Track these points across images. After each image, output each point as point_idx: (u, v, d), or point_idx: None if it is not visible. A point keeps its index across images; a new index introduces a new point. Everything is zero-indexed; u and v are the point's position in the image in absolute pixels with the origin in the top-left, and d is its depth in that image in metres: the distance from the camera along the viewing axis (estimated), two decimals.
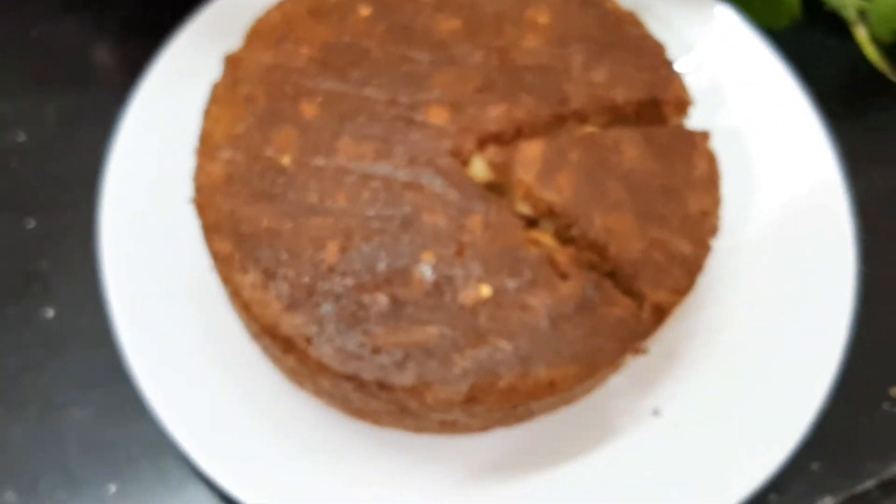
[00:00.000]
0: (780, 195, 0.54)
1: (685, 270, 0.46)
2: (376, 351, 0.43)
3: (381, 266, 0.45)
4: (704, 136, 0.49)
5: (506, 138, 0.48)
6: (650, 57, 0.51)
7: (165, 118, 0.54)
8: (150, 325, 0.50)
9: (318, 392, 0.47)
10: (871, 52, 0.59)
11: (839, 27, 0.60)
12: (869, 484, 0.49)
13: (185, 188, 0.50)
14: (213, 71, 0.51)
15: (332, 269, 0.44)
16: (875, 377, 0.52)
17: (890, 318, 0.54)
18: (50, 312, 0.52)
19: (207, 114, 0.49)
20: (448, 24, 0.51)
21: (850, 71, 0.61)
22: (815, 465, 0.50)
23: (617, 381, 0.50)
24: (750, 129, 0.55)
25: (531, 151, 0.47)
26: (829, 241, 0.52)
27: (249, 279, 0.44)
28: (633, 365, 0.50)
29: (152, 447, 0.50)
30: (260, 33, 0.50)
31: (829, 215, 0.53)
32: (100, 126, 0.57)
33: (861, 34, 0.59)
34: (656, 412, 0.49)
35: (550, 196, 0.46)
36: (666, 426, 0.49)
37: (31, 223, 0.55)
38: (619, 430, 0.49)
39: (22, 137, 0.57)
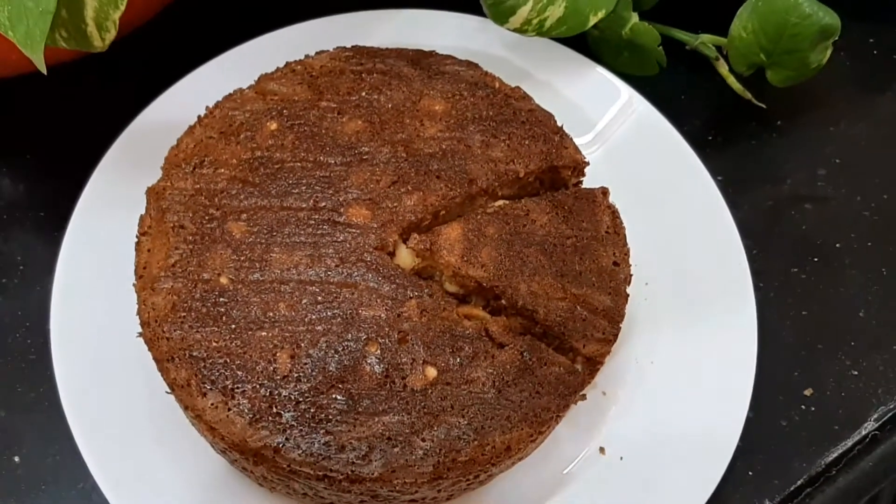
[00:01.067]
0: (674, 230, 0.58)
1: (609, 320, 0.50)
2: (341, 448, 0.46)
3: (332, 366, 0.47)
4: (604, 192, 0.54)
5: (425, 225, 0.52)
6: (541, 127, 0.55)
7: (99, 254, 0.56)
8: (119, 454, 0.51)
9: (291, 493, 0.49)
10: (734, 83, 0.64)
11: (701, 65, 0.65)
12: (799, 481, 0.54)
13: (128, 322, 0.52)
14: (137, 203, 0.53)
15: (286, 378, 0.47)
16: (787, 383, 0.57)
17: (790, 327, 0.59)
18: (16, 458, 0.54)
19: (139, 247, 0.51)
20: (352, 125, 0.54)
21: (718, 102, 0.66)
22: (750, 473, 0.54)
23: (561, 427, 0.53)
24: (637, 177, 0.60)
25: (451, 233, 0.51)
26: (727, 264, 0.57)
27: (209, 401, 0.46)
28: (574, 409, 0.53)
29: None
30: (176, 162, 0.53)
31: (722, 240, 0.58)
32: (31, 269, 0.59)
33: (723, 69, 0.64)
34: (602, 450, 0.53)
35: (476, 272, 0.50)
36: (613, 461, 0.53)
37: None
38: (573, 472, 0.53)
39: None
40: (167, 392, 0.51)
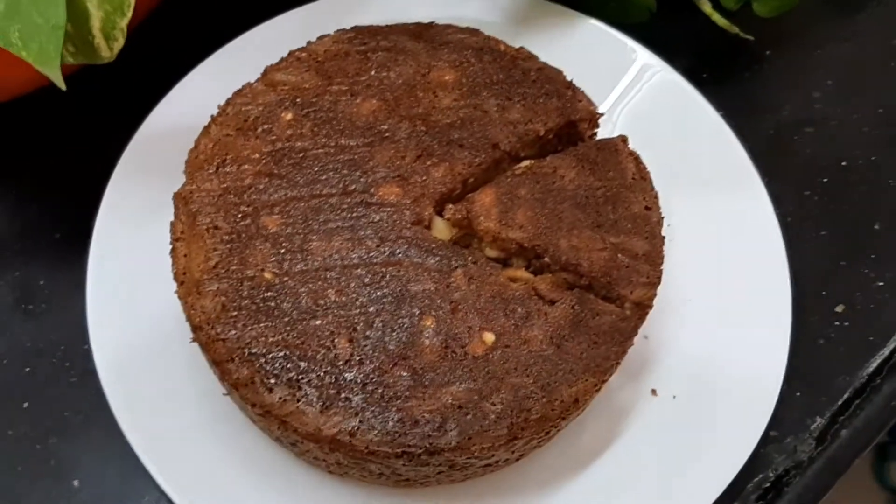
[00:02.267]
0: (693, 170, 0.59)
1: (650, 263, 0.51)
2: (416, 423, 0.46)
3: (391, 344, 0.48)
4: (623, 140, 0.54)
5: (456, 195, 0.52)
6: (552, 83, 0.56)
7: (130, 268, 0.55)
8: (183, 463, 0.51)
9: (366, 475, 0.50)
10: (720, 20, 0.65)
11: (686, 6, 0.66)
12: (847, 395, 0.56)
13: (171, 328, 0.52)
14: (158, 210, 0.53)
15: (349, 362, 0.47)
16: (818, 303, 0.59)
17: (813, 249, 0.60)
18: (75, 483, 0.53)
19: (175, 253, 0.50)
20: (367, 106, 0.54)
21: (707, 40, 0.67)
22: (798, 394, 0.55)
23: (611, 377, 0.54)
24: (648, 122, 0.61)
25: (485, 199, 0.51)
26: (747, 196, 0.58)
27: (277, 395, 0.47)
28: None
29: None
30: (198, 164, 0.52)
31: (737, 171, 0.59)
32: (55, 293, 0.58)
33: (706, 7, 0.65)
34: (654, 392, 0.54)
35: (516, 234, 0.50)
36: (667, 401, 0.54)
37: (25, 404, 0.55)
38: (632, 414, 0.54)
39: None
40: (224, 394, 0.52)
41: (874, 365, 0.56)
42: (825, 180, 0.62)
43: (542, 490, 0.52)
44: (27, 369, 0.56)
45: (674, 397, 0.54)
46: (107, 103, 0.63)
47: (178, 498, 0.50)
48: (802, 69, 0.66)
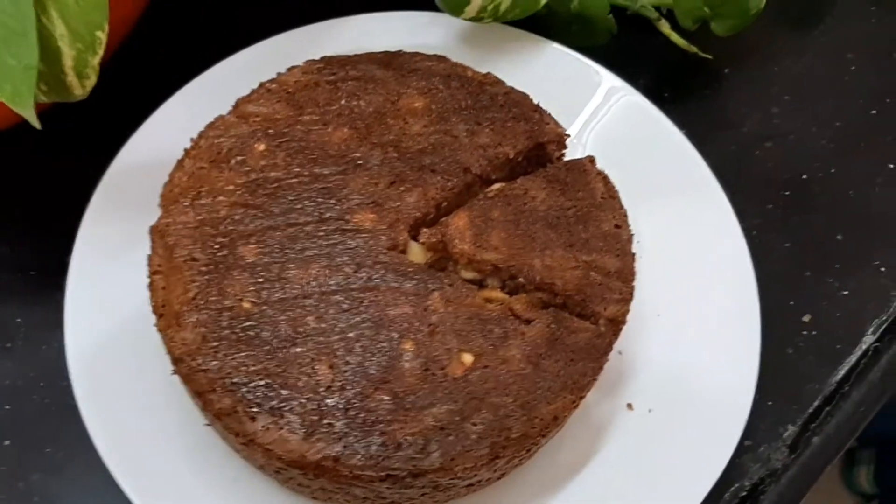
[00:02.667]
0: (657, 187, 0.61)
1: (622, 280, 0.52)
2: (398, 447, 0.47)
3: (372, 369, 0.48)
4: (591, 160, 0.56)
5: (430, 219, 0.53)
6: (520, 107, 0.57)
7: (106, 304, 0.55)
8: (166, 494, 0.51)
9: (349, 500, 0.50)
10: (678, 40, 0.67)
11: (644, 26, 0.68)
12: (817, 402, 0.57)
13: (150, 362, 0.53)
14: (134, 245, 0.53)
15: (330, 388, 0.48)
16: (785, 313, 0.60)
17: (777, 260, 0.62)
18: None
19: (153, 286, 0.51)
20: (338, 134, 0.55)
21: (666, 60, 0.69)
22: (770, 403, 0.57)
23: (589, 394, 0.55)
24: (612, 141, 0.62)
25: (459, 222, 0.52)
26: (712, 210, 0.60)
27: (259, 424, 0.47)
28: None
29: None
30: (173, 197, 0.53)
31: (701, 186, 0.60)
32: (32, 329, 0.59)
33: (665, 27, 0.67)
34: (630, 406, 0.55)
35: (491, 256, 0.51)
36: (643, 415, 0.55)
37: (7, 442, 0.55)
38: (608, 430, 0.55)
39: None
40: (206, 424, 0.52)
41: (842, 372, 0.58)
42: (787, 193, 0.64)
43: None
44: (7, 407, 0.56)
45: (649, 411, 0.55)
46: (77, 140, 0.63)
47: None
48: (760, 85, 0.68)
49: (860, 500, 1.35)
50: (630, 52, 0.68)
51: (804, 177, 0.64)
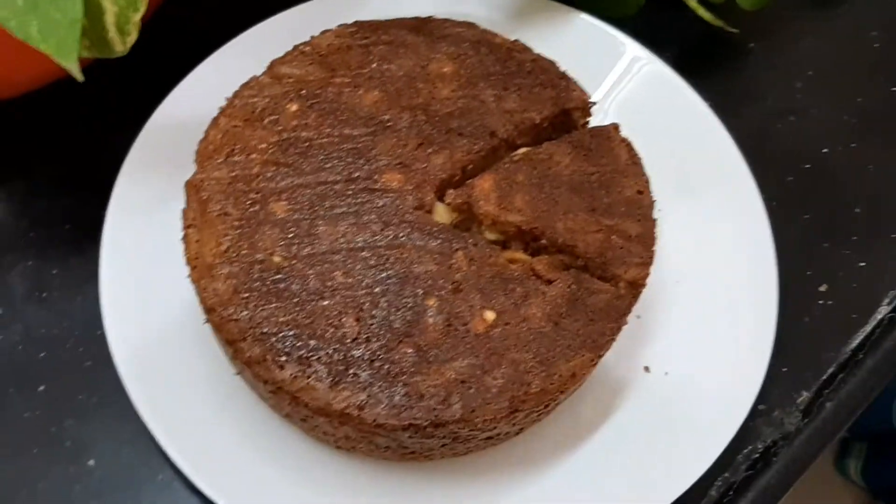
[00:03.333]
0: (680, 156, 0.62)
1: (643, 245, 0.53)
2: (421, 397, 0.48)
3: (396, 323, 0.50)
4: (615, 127, 0.57)
5: (456, 181, 0.54)
6: (547, 74, 0.58)
7: (142, 255, 0.57)
8: (197, 441, 0.53)
9: (373, 450, 0.52)
10: (704, 14, 0.67)
11: (675, 1, 0.69)
12: (831, 370, 0.58)
13: (183, 312, 0.54)
14: (168, 199, 0.55)
15: (356, 340, 0.49)
16: (803, 283, 0.61)
17: (797, 231, 0.63)
18: (91, 462, 0.55)
19: (187, 239, 0.52)
20: (369, 97, 0.56)
21: (693, 33, 0.70)
22: (784, 370, 0.58)
23: (606, 355, 0.57)
24: (638, 110, 0.63)
25: (484, 185, 0.53)
26: (733, 181, 0.61)
27: (288, 372, 0.49)
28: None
29: None
30: (208, 153, 0.54)
31: (724, 158, 0.62)
32: (68, 280, 0.60)
33: (692, 2, 0.68)
34: (647, 369, 0.57)
35: (515, 217, 0.53)
36: (659, 377, 0.56)
37: (41, 388, 0.57)
38: (625, 391, 0.56)
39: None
40: (235, 374, 0.54)
41: (857, 341, 0.59)
42: (807, 166, 0.65)
43: (542, 463, 0.54)
44: (42, 354, 0.58)
45: (666, 374, 0.56)
46: (115, 97, 0.65)
47: (191, 472, 0.52)
48: (785, 61, 0.69)
49: (857, 490, 1.37)
50: (657, 26, 0.69)
51: (825, 150, 0.65)
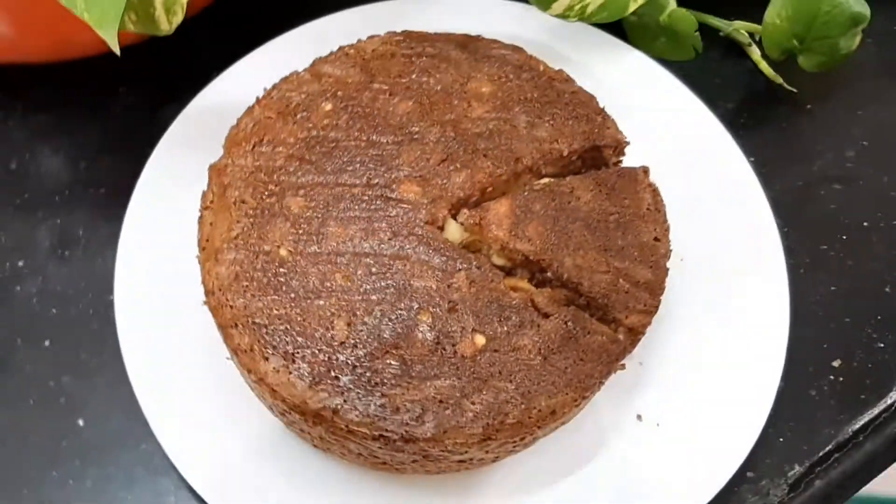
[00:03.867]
0: (711, 208, 0.61)
1: (650, 293, 0.53)
2: (396, 410, 0.48)
3: (386, 333, 0.50)
4: (645, 171, 0.56)
5: (473, 201, 0.54)
6: (584, 108, 0.58)
7: (160, 229, 0.59)
8: (181, 417, 0.54)
9: (346, 453, 0.52)
10: (766, 69, 0.66)
11: (734, 51, 0.68)
12: (828, 447, 0.57)
13: (189, 291, 0.55)
14: (195, 179, 0.56)
15: (343, 344, 0.50)
16: (817, 354, 0.59)
17: (819, 302, 0.61)
18: (80, 421, 0.57)
19: (202, 220, 0.54)
20: (403, 107, 0.57)
21: (751, 87, 0.69)
22: (780, 440, 0.56)
23: (600, 396, 0.56)
24: (675, 157, 0.62)
25: (500, 209, 0.53)
26: (760, 240, 0.59)
27: (272, 365, 0.49)
28: (612, 379, 0.56)
29: None
30: (237, 141, 0.56)
31: (755, 216, 0.60)
32: (92, 242, 0.62)
33: (755, 54, 0.67)
34: (639, 417, 0.56)
35: (524, 246, 0.52)
36: (650, 428, 0.55)
37: (47, 342, 0.59)
38: (611, 438, 0.55)
39: (20, 263, 0.61)
40: (228, 358, 0.54)
41: (861, 423, 0.57)
42: (844, 237, 0.63)
43: (512, 494, 0.54)
44: (53, 310, 0.60)
45: (657, 425, 0.55)
46: (168, 74, 0.67)
47: (168, 446, 0.53)
48: (840, 127, 0.67)
49: None
50: (715, 74, 0.68)
51: (865, 224, 0.63)
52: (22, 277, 0.60)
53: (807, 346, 0.58)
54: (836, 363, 0.59)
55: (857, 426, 0.57)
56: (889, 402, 0.57)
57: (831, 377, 0.58)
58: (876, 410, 0.57)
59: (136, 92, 0.67)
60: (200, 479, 0.53)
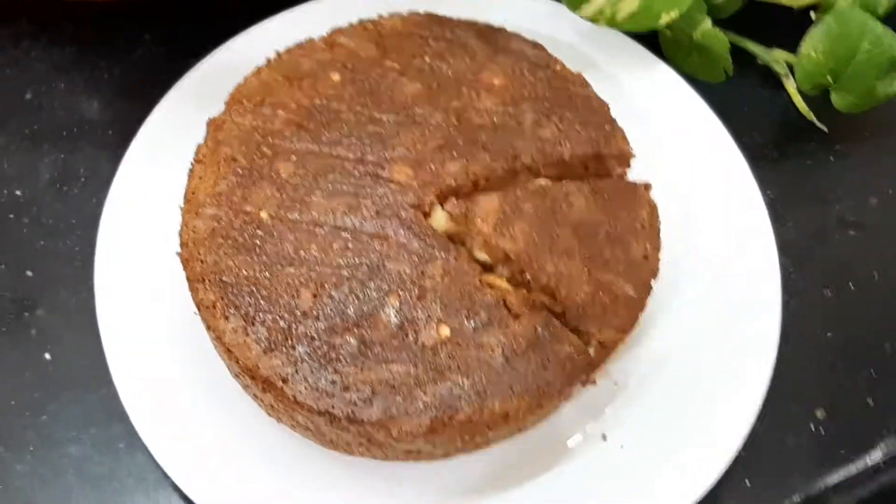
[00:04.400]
0: (714, 236, 0.59)
1: (628, 310, 0.51)
2: (346, 388, 0.48)
3: (351, 310, 0.49)
4: (647, 187, 0.54)
5: (464, 192, 0.53)
6: (595, 114, 0.56)
7: (154, 176, 0.59)
8: (141, 366, 0.54)
9: (295, 425, 0.51)
10: (800, 102, 0.64)
11: (770, 79, 0.66)
12: (795, 498, 0.54)
13: (172, 241, 0.55)
14: (197, 132, 0.56)
15: (305, 314, 0.49)
16: (801, 401, 0.57)
17: (813, 347, 0.59)
18: (47, 356, 0.57)
19: (192, 173, 0.54)
20: (411, 88, 0.56)
21: (781, 119, 0.67)
22: (746, 481, 0.54)
23: (568, 410, 0.54)
24: (686, 178, 0.60)
25: (489, 204, 0.52)
26: (758, 276, 0.57)
27: (231, 325, 0.49)
28: (584, 394, 0.54)
29: (145, 478, 0.54)
30: (240, 98, 0.55)
31: (758, 251, 0.58)
32: (91, 182, 0.62)
33: (790, 86, 0.64)
34: (604, 437, 0.54)
35: (506, 244, 0.51)
36: (613, 449, 0.53)
37: (29, 273, 0.59)
38: (571, 453, 0.53)
39: (18, 192, 0.62)
40: (195, 312, 0.54)
41: (835, 479, 0.54)
42: (850, 285, 0.60)
43: (462, 493, 0.53)
44: (42, 242, 0.60)
45: (621, 447, 0.53)
46: (193, 28, 0.67)
47: (125, 396, 0.53)
48: (867, 172, 0.65)
49: None
50: (746, 101, 0.66)
51: (875, 275, 0.61)
52: (17, 206, 0.61)
53: (792, 392, 0.56)
54: (819, 413, 0.57)
55: (829, 481, 0.54)
56: (869, 462, 0.55)
57: (812, 427, 0.56)
58: (853, 469, 0.55)
59: (159, 41, 0.67)
60: (148, 431, 0.53)
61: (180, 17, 0.67)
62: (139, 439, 0.52)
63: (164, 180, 0.58)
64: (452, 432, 0.48)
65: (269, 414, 0.53)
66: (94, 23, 0.67)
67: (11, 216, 0.61)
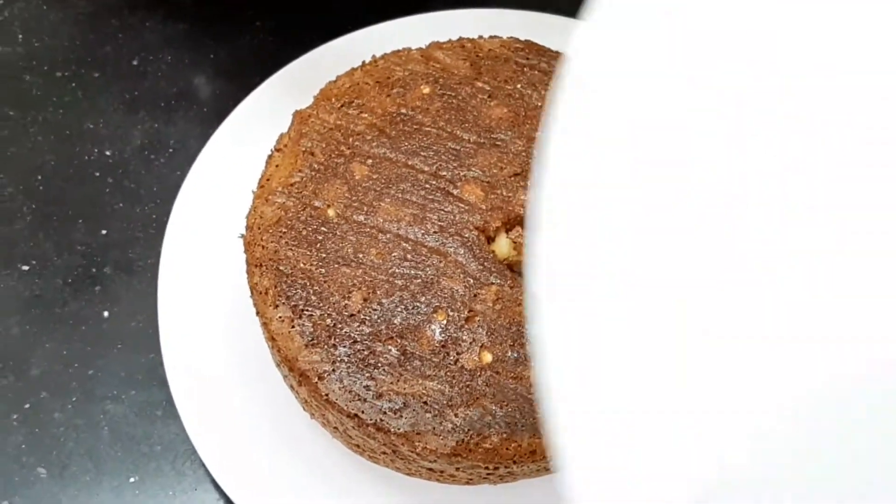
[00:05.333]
0: None
1: None
2: (379, 396, 0.48)
3: (397, 320, 0.49)
4: None
5: None
6: None
7: (237, 157, 0.60)
8: (189, 339, 0.55)
9: (326, 423, 0.52)
10: None
11: None
12: None
13: (241, 223, 0.56)
14: (284, 121, 0.57)
15: (353, 316, 0.49)
16: None
17: None
18: (105, 313, 0.58)
19: (270, 160, 0.54)
20: (497, 112, 0.56)
21: None
22: None
23: None
24: None
25: None
26: None
27: (279, 313, 0.49)
28: None
29: (174, 449, 0.55)
30: (329, 96, 0.56)
31: None
32: (178, 154, 0.64)
33: None
34: None
35: None
36: None
37: (104, 231, 0.61)
38: None
39: (108, 153, 0.64)
40: (251, 297, 0.55)
41: None
42: None
43: None
44: (120, 205, 0.62)
45: None
46: (304, 21, 0.69)
47: (169, 365, 0.54)
48: None
49: None
50: None
51: None
52: (105, 166, 0.63)
53: None
54: None
55: None
56: None
57: None
58: None
59: (269, 30, 0.68)
60: (185, 404, 0.54)
61: (294, 10, 0.68)
62: (176, 410, 0.53)
63: (245, 163, 0.59)
64: (476, 458, 0.47)
65: (303, 408, 0.54)
66: (210, 3, 0.69)
67: (97, 174, 0.62)
